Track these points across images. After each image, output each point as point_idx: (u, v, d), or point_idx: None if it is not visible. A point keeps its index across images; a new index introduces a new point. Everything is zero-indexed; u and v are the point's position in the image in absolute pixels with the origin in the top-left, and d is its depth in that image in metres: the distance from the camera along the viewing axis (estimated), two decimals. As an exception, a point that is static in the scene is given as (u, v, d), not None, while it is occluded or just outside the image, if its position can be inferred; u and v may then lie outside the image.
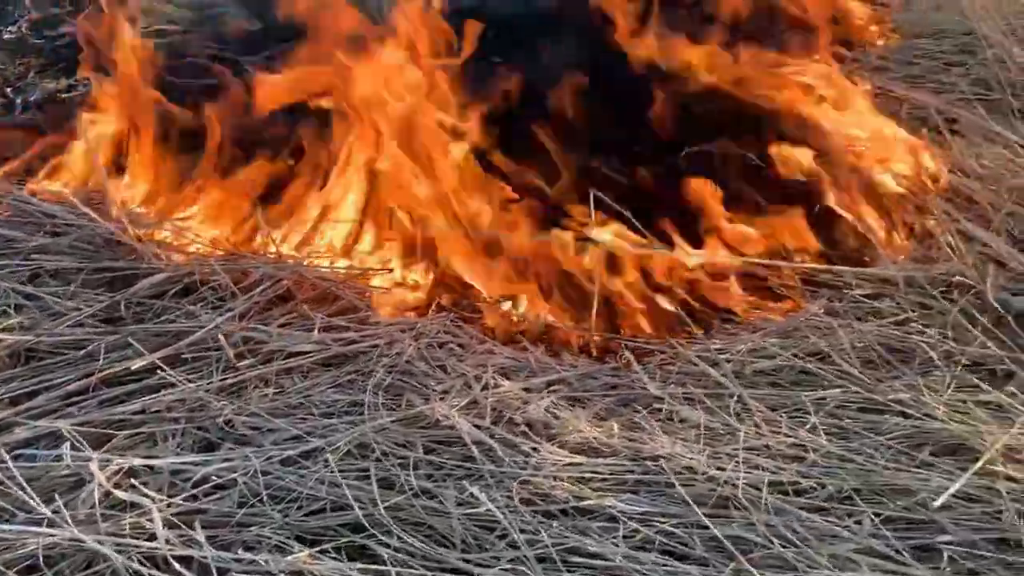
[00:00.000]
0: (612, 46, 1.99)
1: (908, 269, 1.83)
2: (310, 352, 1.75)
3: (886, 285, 1.82)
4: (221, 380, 1.70)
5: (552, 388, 1.66)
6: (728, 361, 1.69)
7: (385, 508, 1.45)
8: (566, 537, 1.40)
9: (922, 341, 1.69)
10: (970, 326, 1.71)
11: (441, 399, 1.62)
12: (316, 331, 1.74)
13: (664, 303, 1.75)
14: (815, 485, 1.48)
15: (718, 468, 1.50)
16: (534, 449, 1.52)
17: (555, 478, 1.49)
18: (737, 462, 1.51)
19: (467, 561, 1.38)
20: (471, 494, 1.45)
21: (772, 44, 2.17)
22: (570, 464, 1.50)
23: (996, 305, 1.74)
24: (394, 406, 1.63)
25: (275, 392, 1.68)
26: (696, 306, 1.78)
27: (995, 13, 2.19)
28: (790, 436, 1.55)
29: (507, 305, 1.77)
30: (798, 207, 1.87)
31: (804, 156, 1.87)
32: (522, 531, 1.40)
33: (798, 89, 1.94)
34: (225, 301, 1.88)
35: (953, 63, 2.34)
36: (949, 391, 1.61)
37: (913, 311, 1.77)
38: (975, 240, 1.86)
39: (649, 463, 1.52)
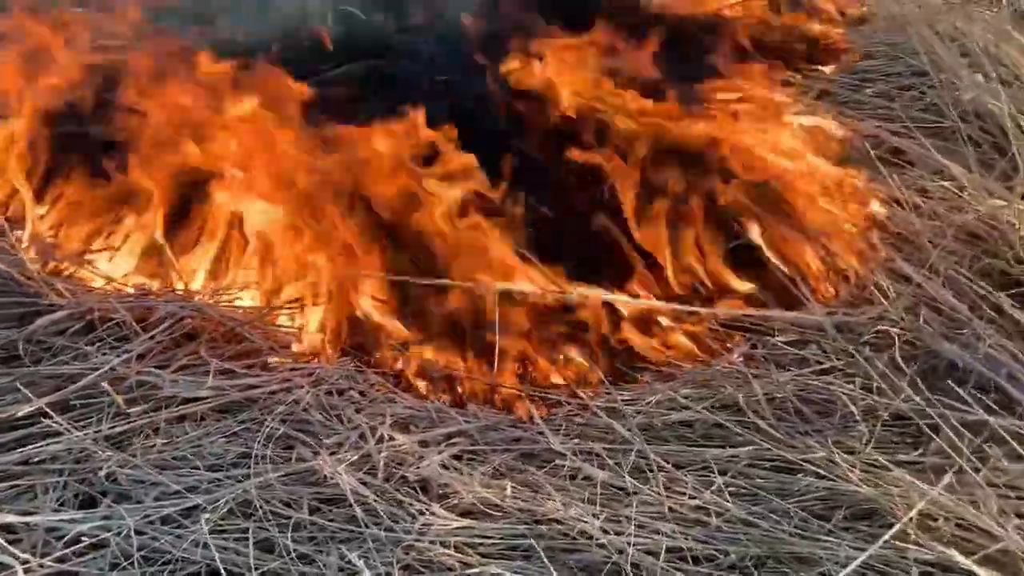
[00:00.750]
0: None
1: (835, 314, 1.75)
2: (205, 398, 1.68)
3: (812, 331, 1.73)
4: (110, 428, 1.63)
5: (452, 441, 1.58)
6: (638, 413, 1.61)
7: (260, 575, 1.38)
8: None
9: (844, 393, 1.60)
10: (896, 378, 1.63)
11: (332, 453, 1.55)
12: (211, 376, 1.67)
13: (573, 351, 1.67)
14: (716, 553, 1.40)
15: (615, 532, 1.42)
16: (422, 511, 1.44)
17: (442, 543, 1.41)
18: (636, 526, 1.43)
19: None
20: (350, 561, 1.38)
21: (711, 69, 2.09)
22: (459, 528, 1.43)
23: (926, 355, 1.66)
24: (284, 459, 1.56)
25: (163, 443, 1.60)
26: (612, 354, 1.70)
27: (946, 36, 2.09)
28: (694, 497, 1.47)
29: (413, 351, 1.69)
30: (722, 244, 1.79)
31: (730, 191, 1.78)
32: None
33: (727, 120, 1.85)
34: (127, 341, 1.81)
35: (904, 87, 2.24)
36: (867, 449, 1.53)
37: (839, 359, 1.68)
38: (910, 282, 1.77)
39: (543, 527, 1.44)
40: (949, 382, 1.64)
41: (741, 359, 1.68)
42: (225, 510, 1.48)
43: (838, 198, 1.87)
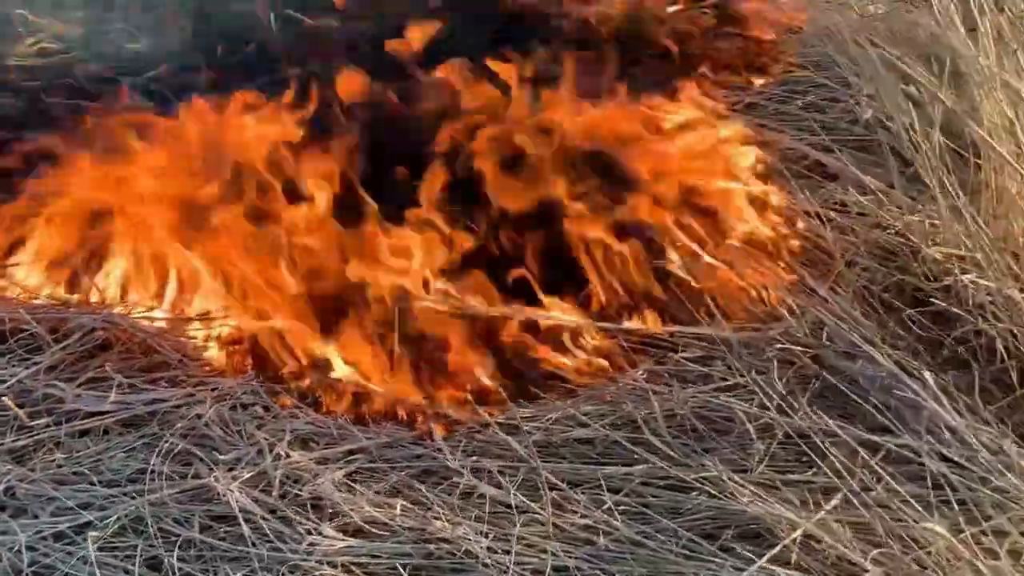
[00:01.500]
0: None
1: (742, 330, 1.75)
2: (109, 412, 1.68)
3: (718, 347, 1.73)
4: (13, 441, 1.63)
5: (351, 458, 1.59)
6: (537, 430, 1.61)
7: (145, 593, 1.39)
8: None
9: (742, 411, 1.61)
10: (796, 396, 1.63)
11: (229, 470, 1.55)
12: (113, 391, 1.67)
13: (479, 367, 1.67)
14: (601, 573, 1.41)
15: (502, 551, 1.43)
16: (311, 530, 1.45)
17: (329, 563, 1.42)
18: (524, 545, 1.44)
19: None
20: (230, 579, 1.38)
21: (640, 79, 2.09)
22: (346, 547, 1.43)
23: (828, 373, 1.67)
24: (181, 476, 1.56)
25: (64, 457, 1.61)
26: (522, 369, 1.71)
27: (873, 48, 2.08)
28: (585, 517, 1.48)
29: (319, 367, 1.69)
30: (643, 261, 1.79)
31: (642, 203, 1.78)
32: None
33: (646, 130, 1.85)
34: (39, 352, 1.81)
35: (834, 99, 2.24)
36: (760, 468, 1.53)
37: (743, 376, 1.69)
38: (819, 298, 1.78)
39: (431, 546, 1.44)
40: (849, 401, 1.65)
41: (644, 375, 1.68)
42: (116, 527, 1.48)
43: (753, 213, 1.87)
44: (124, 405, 1.68)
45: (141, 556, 1.44)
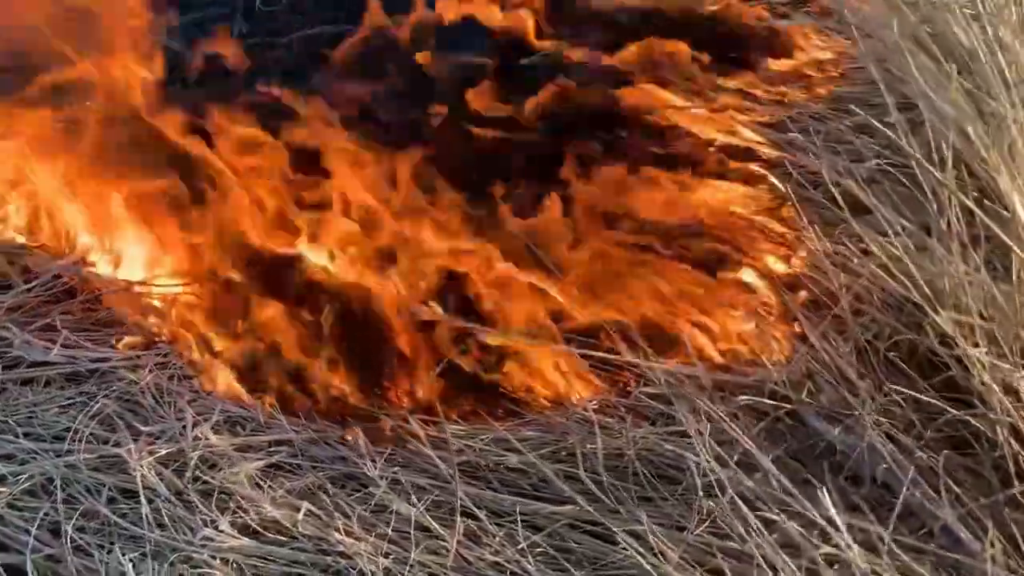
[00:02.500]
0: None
1: (720, 371, 1.59)
2: (55, 364, 1.66)
3: (687, 386, 1.58)
4: (-43, 382, 1.64)
5: (272, 450, 1.53)
6: (469, 449, 1.51)
7: (39, 556, 1.37)
8: (199, 632, 1.29)
9: (696, 462, 1.46)
10: (764, 453, 1.48)
11: (150, 443, 1.51)
12: (59, 344, 1.65)
13: (423, 375, 1.57)
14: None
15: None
16: (209, 522, 1.40)
17: (221, 559, 1.36)
18: (426, 574, 1.35)
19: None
20: (120, 562, 1.34)
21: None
22: (241, 546, 1.37)
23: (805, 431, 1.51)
24: (103, 440, 1.53)
25: (2, 405, 1.60)
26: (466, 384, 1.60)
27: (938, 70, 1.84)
28: (498, 553, 1.38)
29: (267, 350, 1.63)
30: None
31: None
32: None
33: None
34: (6, 291, 1.80)
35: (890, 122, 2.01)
36: (700, 530, 1.39)
37: (705, 421, 1.54)
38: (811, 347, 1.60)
39: (328, 559, 1.37)
40: (821, 468, 1.49)
41: (595, 405, 1.55)
42: (27, 486, 1.47)
43: (761, 247, 1.70)
44: (70, 359, 1.67)
45: (44, 519, 1.42)
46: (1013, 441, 1.40)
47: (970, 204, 1.58)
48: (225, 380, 1.58)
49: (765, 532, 1.36)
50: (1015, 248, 1.52)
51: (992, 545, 1.35)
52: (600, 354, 1.59)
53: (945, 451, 1.51)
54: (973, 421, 1.49)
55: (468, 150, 1.92)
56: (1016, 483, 1.46)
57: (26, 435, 1.54)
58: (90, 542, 1.39)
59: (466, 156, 1.91)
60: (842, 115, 2.08)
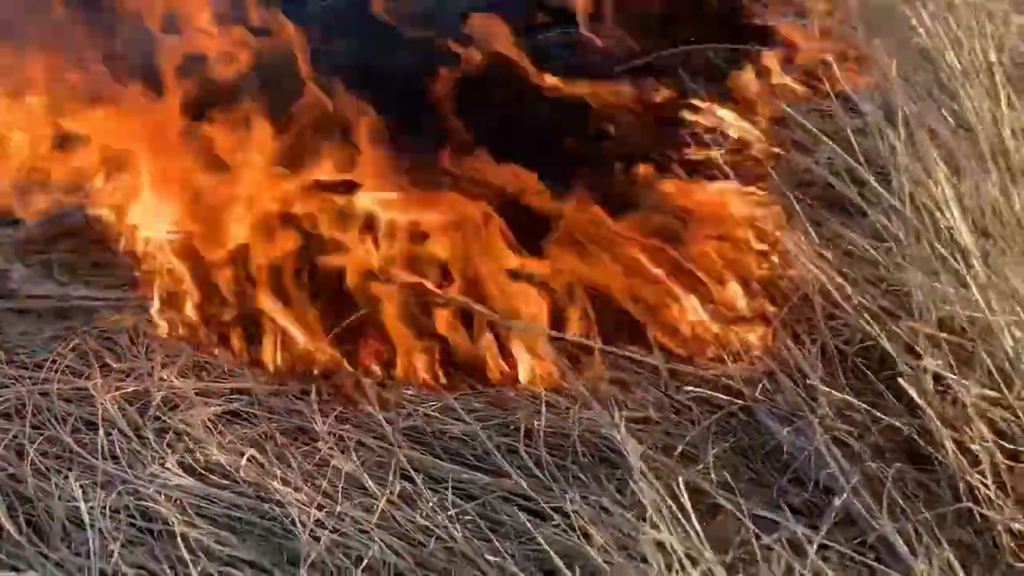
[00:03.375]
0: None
1: (682, 361, 1.58)
2: (48, 298, 1.75)
3: (645, 373, 1.58)
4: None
5: (233, 396, 1.58)
6: (418, 414, 1.54)
7: (3, 475, 1.45)
8: (135, 558, 1.36)
9: (632, 449, 1.46)
10: (708, 447, 1.47)
11: (119, 380, 1.59)
12: (52, 281, 1.74)
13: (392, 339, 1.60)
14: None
15: (332, 528, 1.39)
16: (159, 460, 1.46)
17: (165, 496, 1.43)
18: (358, 530, 1.39)
19: (44, 556, 1.37)
20: (73, 488, 1.42)
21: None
22: (184, 486, 1.44)
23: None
24: (77, 374, 1.61)
25: (-3, 330, 1.70)
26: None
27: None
28: (428, 518, 1.41)
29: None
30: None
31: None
32: (103, 539, 1.37)
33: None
34: (15, 225, 1.91)
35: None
36: (628, 515, 1.39)
37: (659, 411, 1.53)
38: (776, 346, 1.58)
39: (266, 506, 1.42)
40: (770, 468, 1.47)
41: (549, 385, 1.56)
42: (2, 408, 1.56)
43: (744, 244, 1.67)
44: (63, 295, 1.76)
45: (12, 441, 1.51)
46: (960, 456, 1.37)
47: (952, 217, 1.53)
48: (189, 325, 1.65)
49: (697, 524, 1.36)
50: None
51: (929, 562, 1.33)
52: (561, 335, 1.60)
53: (899, 463, 1.48)
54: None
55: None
56: (964, 499, 1.43)
57: (10, 362, 1.64)
58: (50, 467, 1.48)
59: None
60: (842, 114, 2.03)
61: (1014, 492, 1.39)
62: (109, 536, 1.38)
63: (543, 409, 1.50)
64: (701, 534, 1.29)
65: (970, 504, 1.38)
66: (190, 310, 1.65)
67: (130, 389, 1.57)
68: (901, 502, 1.42)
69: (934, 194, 1.49)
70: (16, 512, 1.44)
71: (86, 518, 1.39)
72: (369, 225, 1.72)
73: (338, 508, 1.40)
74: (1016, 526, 1.37)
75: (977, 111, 1.63)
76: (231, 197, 1.76)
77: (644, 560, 1.32)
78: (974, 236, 1.51)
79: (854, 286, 1.65)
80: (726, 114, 1.82)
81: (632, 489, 1.43)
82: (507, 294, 1.71)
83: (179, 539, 1.37)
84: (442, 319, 1.67)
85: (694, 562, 1.29)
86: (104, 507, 1.40)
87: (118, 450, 1.48)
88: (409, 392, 1.57)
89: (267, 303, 1.65)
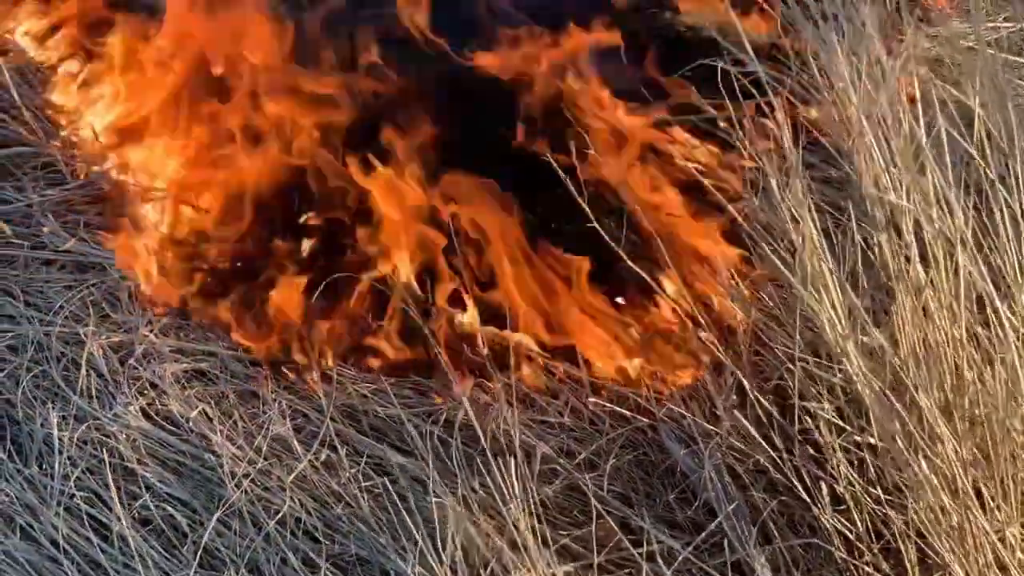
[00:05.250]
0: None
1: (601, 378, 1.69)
2: (72, 253, 1.99)
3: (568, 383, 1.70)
4: (-3, 252, 2.01)
5: (201, 357, 1.78)
6: (356, 393, 1.70)
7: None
8: (90, 484, 1.58)
9: (543, 451, 1.58)
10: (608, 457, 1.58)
11: (112, 330, 1.81)
12: (75, 239, 1.97)
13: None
14: (318, 530, 1.51)
15: (259, 483, 1.57)
16: (126, 403, 1.67)
17: (125, 436, 1.64)
18: (279, 487, 1.57)
19: (19, 472, 1.61)
20: (52, 415, 1.65)
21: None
22: (141, 428, 1.64)
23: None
24: (77, 320, 1.84)
25: (24, 276, 1.94)
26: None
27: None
28: (343, 485, 1.57)
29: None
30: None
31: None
32: (69, 466, 1.59)
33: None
34: (58, 186, 2.16)
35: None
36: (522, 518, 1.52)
37: (574, 427, 1.65)
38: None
39: (206, 456, 1.62)
40: (661, 481, 1.57)
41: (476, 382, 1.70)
42: (12, 342, 1.80)
43: (695, 268, 1.75)
44: (84, 250, 2.00)
45: (14, 371, 1.76)
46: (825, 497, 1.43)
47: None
48: (164, 284, 1.86)
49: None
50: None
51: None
52: (496, 330, 1.74)
53: (785, 498, 1.56)
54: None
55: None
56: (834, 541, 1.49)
57: (29, 304, 1.89)
58: (38, 396, 1.72)
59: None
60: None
61: (879, 539, 1.46)
62: (73, 463, 1.61)
63: (466, 403, 1.65)
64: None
65: (832, 547, 1.45)
66: (172, 273, 1.87)
67: (116, 339, 1.79)
68: (776, 533, 1.50)
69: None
70: (5, 432, 1.69)
71: (56, 444, 1.62)
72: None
73: (265, 465, 1.59)
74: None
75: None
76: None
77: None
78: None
79: (780, 327, 1.73)
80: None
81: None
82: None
83: (130, 474, 1.60)
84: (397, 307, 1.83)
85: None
86: (73, 437, 1.63)
87: (94, 391, 1.71)
88: (352, 372, 1.74)
89: (252, 272, 1.85)
